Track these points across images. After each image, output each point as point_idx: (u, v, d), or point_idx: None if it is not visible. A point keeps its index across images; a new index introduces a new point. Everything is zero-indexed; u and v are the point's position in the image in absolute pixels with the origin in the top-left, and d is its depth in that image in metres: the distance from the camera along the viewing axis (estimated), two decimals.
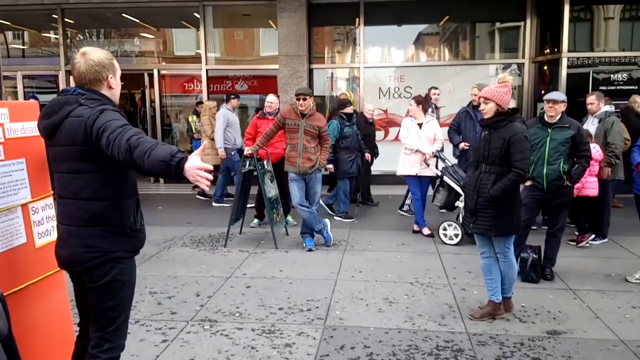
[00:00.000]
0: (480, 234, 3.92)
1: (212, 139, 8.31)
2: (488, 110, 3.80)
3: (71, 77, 2.38)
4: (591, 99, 6.15)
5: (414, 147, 6.16)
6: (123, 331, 2.43)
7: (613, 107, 6.24)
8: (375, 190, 8.69)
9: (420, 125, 6.27)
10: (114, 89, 2.36)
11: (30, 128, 2.62)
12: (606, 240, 6.07)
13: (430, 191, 6.47)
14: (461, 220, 5.61)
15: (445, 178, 5.89)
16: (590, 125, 6.05)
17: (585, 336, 3.69)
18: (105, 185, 2.25)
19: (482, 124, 3.93)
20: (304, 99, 5.66)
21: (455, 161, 6.56)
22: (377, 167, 10.12)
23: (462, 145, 6.43)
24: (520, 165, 3.69)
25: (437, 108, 7.66)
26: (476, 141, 6.06)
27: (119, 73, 2.39)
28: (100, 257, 2.26)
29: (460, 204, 5.74)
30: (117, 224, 2.30)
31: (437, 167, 6.29)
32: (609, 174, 5.86)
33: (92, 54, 2.28)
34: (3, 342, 1.00)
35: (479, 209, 3.82)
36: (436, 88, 7.73)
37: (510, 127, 3.73)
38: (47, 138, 2.32)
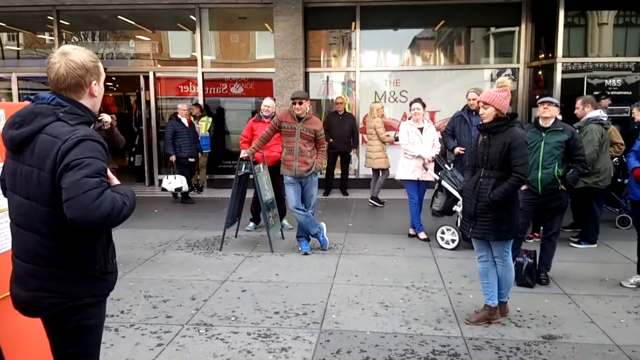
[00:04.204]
0: (480, 239, 3.91)
1: (384, 142, 8.43)
2: (487, 114, 3.81)
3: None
4: (577, 104, 6.03)
5: (416, 153, 6.17)
6: None
7: (602, 112, 6.05)
8: (370, 194, 8.70)
9: (421, 129, 6.28)
10: (96, 96, 2.01)
11: None
12: (595, 245, 6.10)
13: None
14: (459, 225, 5.61)
15: (444, 182, 5.89)
16: None
17: (580, 341, 3.70)
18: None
19: (481, 128, 3.92)
20: (300, 103, 5.66)
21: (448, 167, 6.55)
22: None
23: (457, 149, 6.44)
24: (521, 170, 3.70)
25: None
26: (471, 145, 6.07)
27: (103, 78, 2.04)
28: (64, 303, 1.93)
29: (458, 208, 5.74)
30: (85, 267, 1.95)
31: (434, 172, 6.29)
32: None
33: (74, 55, 1.93)
34: None
35: (478, 213, 3.82)
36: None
37: (511, 132, 3.74)
38: (11, 151, 1.96)
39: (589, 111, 5.96)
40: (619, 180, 6.85)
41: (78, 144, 1.81)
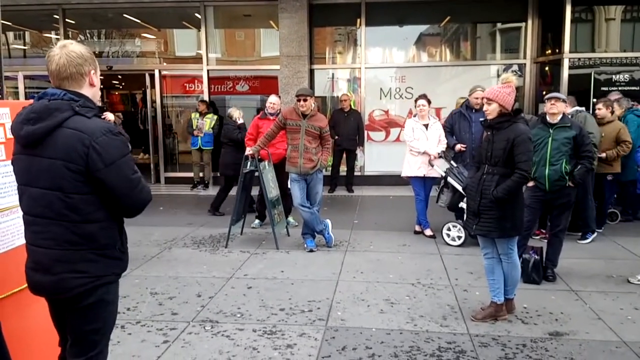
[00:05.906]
0: (484, 236, 3.90)
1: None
2: (491, 111, 3.79)
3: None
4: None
5: (422, 150, 6.14)
6: (105, 355, 2.26)
7: (584, 108, 6.42)
8: (376, 191, 8.70)
9: (426, 126, 6.25)
10: (95, 86, 2.13)
11: None
12: (595, 234, 6.12)
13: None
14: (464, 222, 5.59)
15: (450, 179, 5.86)
16: None
17: (587, 338, 3.67)
18: (99, 207, 2.04)
19: (485, 124, 3.91)
20: (305, 100, 5.66)
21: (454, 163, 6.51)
22: (377, 168, 10.17)
23: (458, 146, 6.39)
24: (524, 166, 3.68)
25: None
26: (472, 142, 6.05)
27: (98, 70, 2.18)
28: (92, 282, 2.07)
29: (464, 204, 5.71)
30: (108, 246, 2.11)
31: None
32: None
33: (73, 47, 2.07)
34: None
35: (482, 210, 3.81)
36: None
37: (514, 128, 3.71)
38: (25, 146, 2.02)
39: (567, 108, 6.14)
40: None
41: (109, 142, 1.98)
